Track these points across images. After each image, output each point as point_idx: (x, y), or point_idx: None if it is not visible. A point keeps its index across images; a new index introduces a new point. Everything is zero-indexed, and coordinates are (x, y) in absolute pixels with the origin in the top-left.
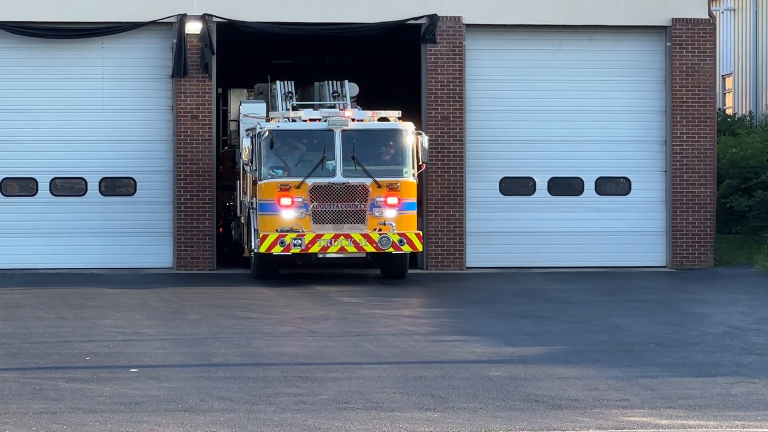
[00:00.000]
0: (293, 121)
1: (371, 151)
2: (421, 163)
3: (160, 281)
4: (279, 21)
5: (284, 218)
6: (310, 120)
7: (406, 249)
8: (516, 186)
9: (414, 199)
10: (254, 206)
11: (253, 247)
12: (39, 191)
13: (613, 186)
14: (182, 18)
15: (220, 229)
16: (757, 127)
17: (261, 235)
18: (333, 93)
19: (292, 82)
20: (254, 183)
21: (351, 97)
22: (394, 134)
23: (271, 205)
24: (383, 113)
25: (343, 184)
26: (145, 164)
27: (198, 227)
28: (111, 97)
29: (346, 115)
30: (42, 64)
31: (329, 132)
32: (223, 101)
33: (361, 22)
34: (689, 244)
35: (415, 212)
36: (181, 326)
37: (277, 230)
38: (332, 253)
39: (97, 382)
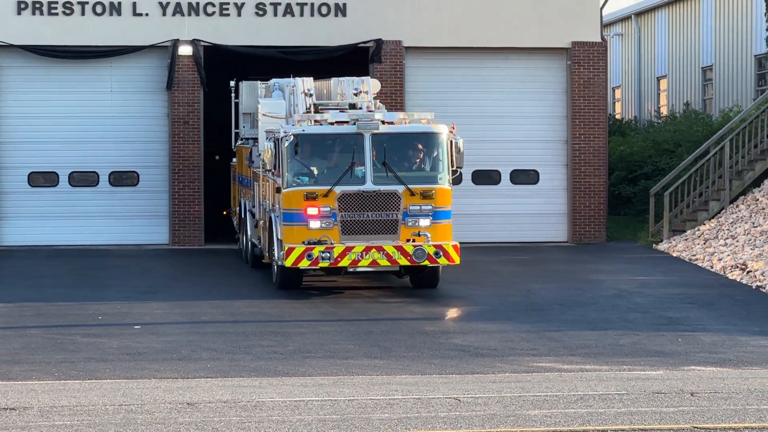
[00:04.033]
0: (318, 123)
1: (403, 155)
2: (455, 167)
3: (159, 255)
4: (254, 44)
5: (311, 229)
6: (337, 122)
7: (443, 262)
8: None
9: (449, 207)
10: (277, 213)
11: (276, 258)
12: (60, 182)
13: (524, 177)
14: (175, 42)
15: (235, 223)
16: (641, 129)
17: (286, 248)
18: (354, 90)
19: (311, 78)
20: (278, 190)
21: (372, 94)
22: (429, 137)
23: (297, 214)
24: (415, 115)
25: (374, 191)
26: (146, 160)
27: (189, 211)
28: (118, 106)
29: (377, 117)
30: (62, 79)
31: (358, 136)
32: (235, 93)
33: (322, 45)
34: (586, 224)
35: (450, 221)
36: (175, 291)
37: (303, 242)
38: (363, 267)
39: (107, 337)
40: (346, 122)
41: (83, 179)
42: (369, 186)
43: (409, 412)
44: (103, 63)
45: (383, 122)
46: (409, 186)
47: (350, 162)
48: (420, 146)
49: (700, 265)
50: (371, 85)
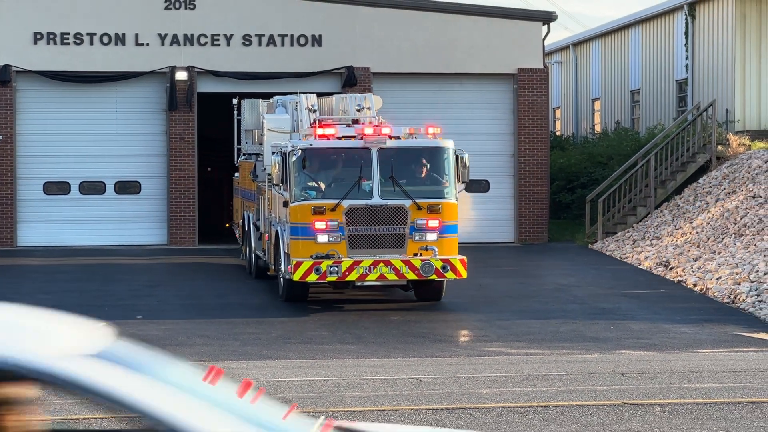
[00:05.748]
0: (325, 137)
1: (410, 170)
2: (461, 181)
3: (158, 253)
4: (241, 71)
5: (318, 243)
6: (345, 137)
7: (450, 276)
8: None
9: (456, 221)
10: (284, 227)
11: (283, 271)
12: (71, 191)
13: (477, 186)
14: (173, 69)
15: (238, 235)
16: (578, 144)
17: (294, 262)
18: (357, 106)
19: (314, 95)
20: (285, 204)
21: (375, 110)
22: (436, 152)
23: (304, 228)
24: (423, 129)
25: (381, 206)
26: (147, 171)
27: (184, 216)
28: (122, 124)
29: (384, 132)
30: (73, 101)
31: (366, 150)
32: (237, 111)
33: (301, 71)
34: (530, 227)
35: (457, 235)
36: (173, 285)
37: (311, 256)
38: (371, 281)
39: (113, 325)
40: (354, 137)
41: (92, 188)
42: (376, 200)
43: (377, 390)
44: (109, 86)
45: (390, 137)
46: (416, 200)
47: (358, 176)
48: (427, 161)
49: (629, 262)
50: (373, 101)
